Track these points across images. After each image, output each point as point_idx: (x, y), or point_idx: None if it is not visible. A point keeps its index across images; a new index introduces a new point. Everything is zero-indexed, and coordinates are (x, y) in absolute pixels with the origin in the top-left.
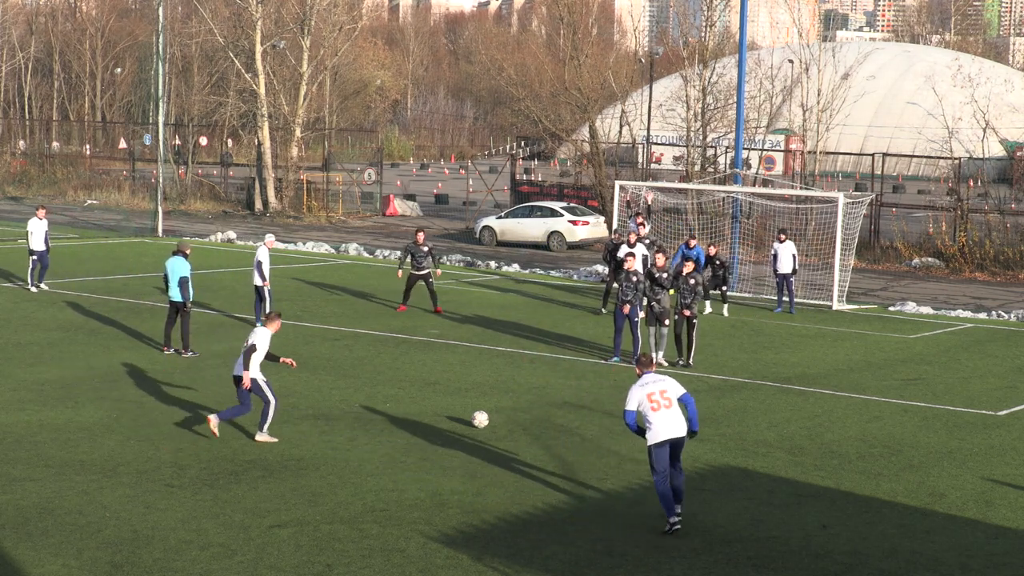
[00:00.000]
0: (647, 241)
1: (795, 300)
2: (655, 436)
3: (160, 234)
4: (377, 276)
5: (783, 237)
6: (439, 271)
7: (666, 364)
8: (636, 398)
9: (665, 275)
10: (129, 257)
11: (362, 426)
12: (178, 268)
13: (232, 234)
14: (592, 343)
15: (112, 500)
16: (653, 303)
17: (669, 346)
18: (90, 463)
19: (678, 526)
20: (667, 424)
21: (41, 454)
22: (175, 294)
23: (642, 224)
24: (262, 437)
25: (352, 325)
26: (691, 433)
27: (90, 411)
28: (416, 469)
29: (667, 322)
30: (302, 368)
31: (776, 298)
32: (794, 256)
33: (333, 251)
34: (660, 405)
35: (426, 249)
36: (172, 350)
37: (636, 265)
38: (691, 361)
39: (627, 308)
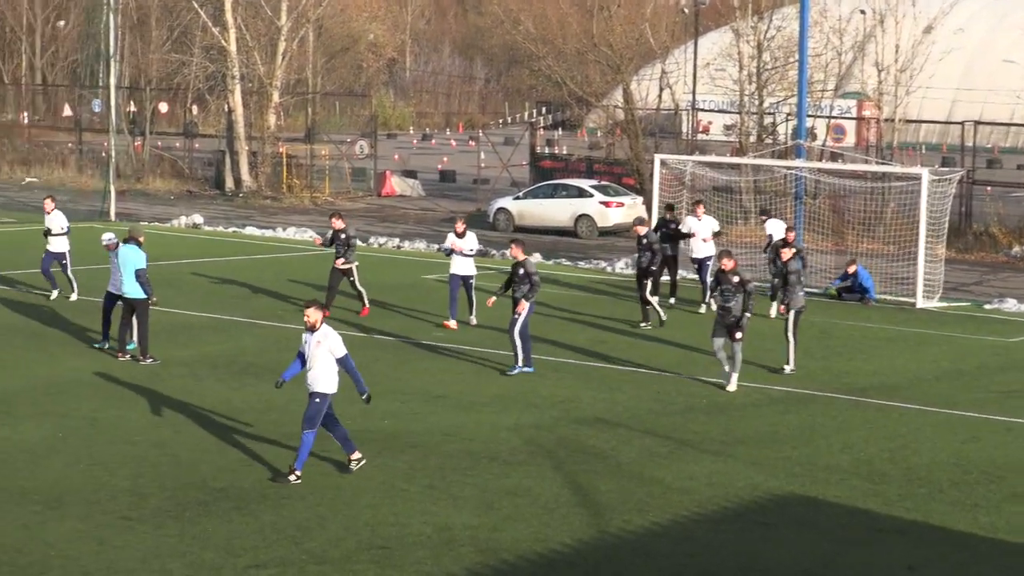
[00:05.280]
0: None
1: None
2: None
3: (113, 218)
4: (373, 269)
5: (765, 217)
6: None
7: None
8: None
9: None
10: (77, 245)
11: None
12: (132, 259)
13: (199, 218)
14: (629, 349)
15: (58, 536)
16: (726, 309)
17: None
18: (32, 492)
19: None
20: None
21: None
22: (129, 289)
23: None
24: None
25: (343, 328)
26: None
27: (31, 429)
28: (421, 499)
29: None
30: (269, 378)
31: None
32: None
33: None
34: None
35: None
36: (128, 356)
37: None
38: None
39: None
